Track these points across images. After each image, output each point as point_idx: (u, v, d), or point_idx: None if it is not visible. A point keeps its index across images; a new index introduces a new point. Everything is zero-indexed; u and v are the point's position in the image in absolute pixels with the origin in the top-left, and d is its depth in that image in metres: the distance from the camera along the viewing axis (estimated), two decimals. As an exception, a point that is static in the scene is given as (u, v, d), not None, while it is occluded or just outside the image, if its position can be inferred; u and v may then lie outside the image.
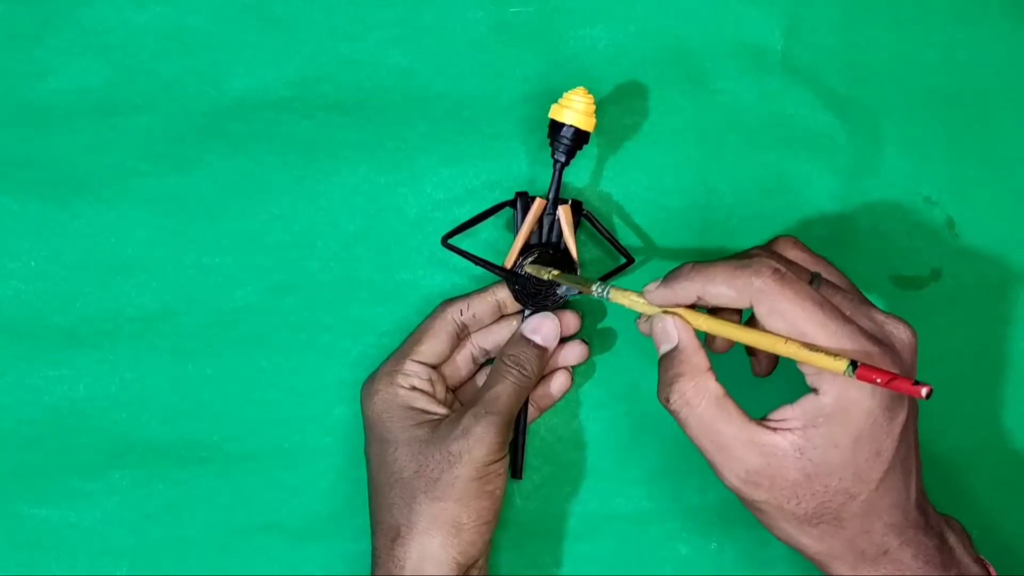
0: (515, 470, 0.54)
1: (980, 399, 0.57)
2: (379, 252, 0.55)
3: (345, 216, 0.55)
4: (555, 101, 0.51)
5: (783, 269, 0.44)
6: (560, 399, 0.55)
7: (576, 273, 0.53)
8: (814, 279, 0.47)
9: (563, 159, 0.51)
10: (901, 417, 0.44)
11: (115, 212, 0.54)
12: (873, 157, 0.56)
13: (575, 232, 0.53)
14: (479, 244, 0.54)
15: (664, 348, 0.47)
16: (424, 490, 0.49)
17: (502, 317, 0.54)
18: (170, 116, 0.54)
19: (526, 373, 0.51)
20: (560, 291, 0.52)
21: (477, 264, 0.52)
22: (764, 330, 0.44)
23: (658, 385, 0.46)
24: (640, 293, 0.47)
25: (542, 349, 0.52)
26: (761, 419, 0.45)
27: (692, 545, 0.56)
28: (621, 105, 0.55)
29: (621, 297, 0.48)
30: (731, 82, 0.55)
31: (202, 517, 0.55)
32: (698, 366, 0.45)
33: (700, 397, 0.45)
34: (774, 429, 0.44)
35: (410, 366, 0.52)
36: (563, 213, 0.52)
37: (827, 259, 0.49)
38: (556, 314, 0.53)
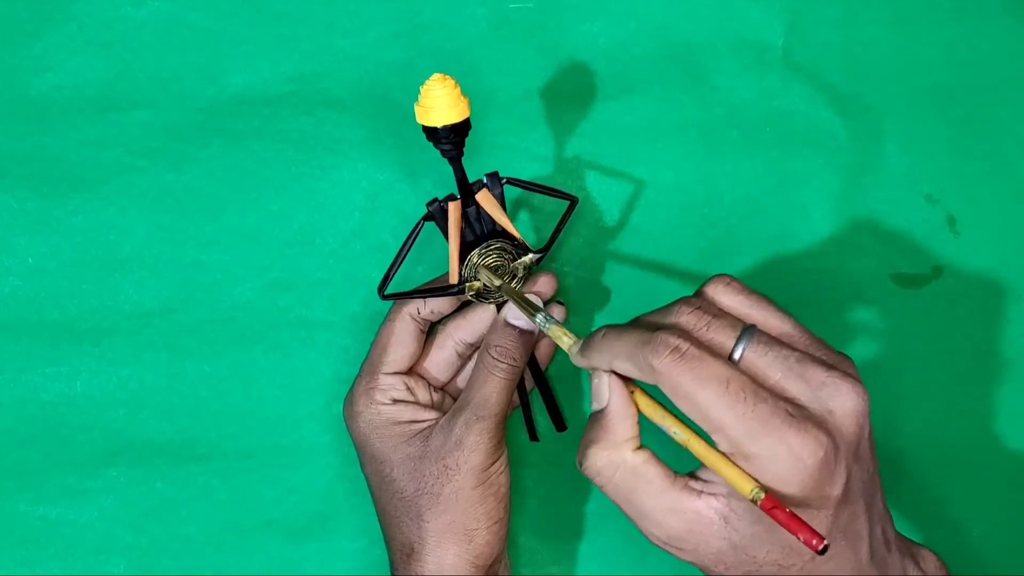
0: (558, 423, 0.54)
1: (980, 398, 0.57)
2: (377, 249, 0.55)
3: (344, 213, 0.55)
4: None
5: (684, 347, 0.39)
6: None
7: (524, 249, 0.51)
8: (743, 335, 0.41)
9: (453, 154, 0.47)
10: (840, 480, 0.39)
11: (113, 208, 0.54)
12: (874, 154, 0.56)
13: (505, 209, 0.50)
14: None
15: (594, 406, 0.44)
16: (428, 507, 0.49)
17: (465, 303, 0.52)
18: (168, 112, 0.54)
19: (516, 363, 0.49)
20: (519, 267, 0.50)
21: (427, 297, 0.50)
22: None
23: (579, 446, 0.44)
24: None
25: (528, 333, 0.50)
26: (689, 475, 0.42)
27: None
28: (621, 102, 0.55)
29: (560, 336, 0.45)
30: (732, 79, 0.55)
31: (200, 515, 0.55)
32: (617, 436, 0.42)
33: (613, 468, 0.42)
34: (699, 492, 0.41)
35: (384, 380, 0.50)
36: (483, 199, 0.50)
37: (766, 296, 0.44)
38: (531, 286, 0.51)
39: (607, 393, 0.43)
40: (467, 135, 0.46)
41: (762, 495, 0.38)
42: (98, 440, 0.55)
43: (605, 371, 0.43)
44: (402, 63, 0.55)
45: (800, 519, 0.37)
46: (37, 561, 0.55)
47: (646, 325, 0.43)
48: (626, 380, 0.43)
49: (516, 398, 0.53)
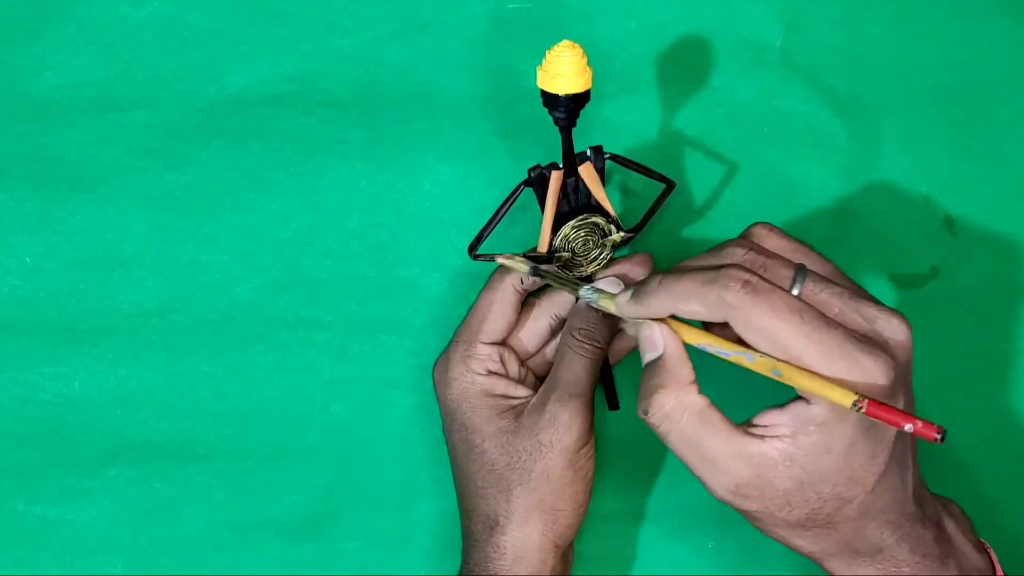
0: (612, 402, 0.54)
1: (978, 397, 0.57)
2: (377, 249, 0.55)
3: (343, 213, 0.55)
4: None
5: (753, 280, 0.41)
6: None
7: (617, 227, 0.51)
8: (797, 274, 0.43)
9: (566, 124, 0.47)
10: (900, 406, 0.42)
11: (112, 208, 0.54)
12: (873, 155, 0.56)
13: (604, 184, 0.50)
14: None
15: (648, 357, 0.44)
16: (519, 482, 0.49)
17: None
18: (168, 112, 0.54)
19: (599, 345, 0.49)
20: (608, 244, 0.50)
21: (501, 260, 0.50)
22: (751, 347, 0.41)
23: (638, 395, 0.45)
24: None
25: (610, 316, 0.49)
26: (746, 424, 0.43)
27: (690, 544, 0.56)
28: (619, 102, 0.55)
29: (607, 303, 0.46)
30: (731, 79, 0.55)
31: (198, 515, 0.55)
32: (681, 378, 0.43)
33: (681, 411, 0.43)
34: (762, 437, 0.42)
35: (482, 349, 0.50)
36: (585, 172, 0.50)
37: (809, 245, 0.46)
38: (621, 267, 0.51)
39: (661, 340, 0.44)
40: (584, 106, 0.46)
41: (866, 400, 0.39)
42: (97, 440, 0.55)
43: (656, 319, 0.44)
44: (401, 63, 0.55)
45: (913, 414, 0.38)
46: (36, 561, 0.55)
47: (699, 268, 0.43)
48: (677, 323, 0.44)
49: None
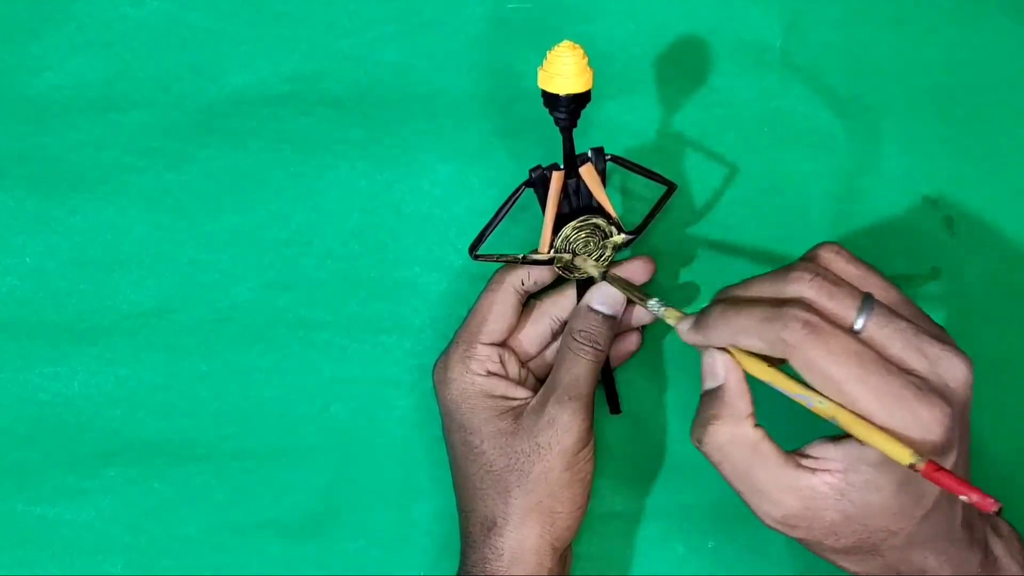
0: (613, 406, 0.54)
1: (977, 398, 0.57)
2: (376, 249, 0.55)
3: (342, 213, 0.55)
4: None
5: (814, 320, 0.40)
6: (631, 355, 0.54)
7: (618, 228, 0.51)
8: (864, 305, 0.41)
9: (566, 124, 0.47)
10: (952, 458, 0.41)
11: (111, 208, 0.54)
12: (873, 155, 0.56)
13: (604, 185, 0.50)
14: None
15: (708, 384, 0.44)
16: (517, 484, 0.49)
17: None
18: (167, 112, 0.54)
19: (600, 347, 0.49)
20: (608, 246, 0.50)
21: (515, 263, 0.51)
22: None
23: (694, 422, 0.44)
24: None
25: (611, 319, 0.50)
26: (798, 452, 0.43)
27: (689, 544, 0.56)
28: (619, 102, 0.55)
29: (672, 317, 0.46)
30: (730, 79, 0.55)
31: (198, 515, 0.55)
32: (738, 411, 0.43)
33: (734, 445, 0.43)
34: (813, 470, 0.42)
35: (481, 350, 0.50)
36: (586, 173, 0.50)
37: (876, 269, 0.45)
38: (622, 268, 0.51)
39: (722, 370, 0.43)
40: (585, 107, 0.46)
41: (924, 461, 0.38)
42: (96, 440, 0.55)
43: (718, 348, 0.43)
44: (401, 63, 0.55)
45: (969, 483, 0.38)
46: (35, 561, 0.55)
47: (760, 294, 0.43)
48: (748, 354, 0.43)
49: None
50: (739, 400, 0.43)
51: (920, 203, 0.56)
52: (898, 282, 0.55)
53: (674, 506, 0.56)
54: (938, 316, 0.56)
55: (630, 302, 0.50)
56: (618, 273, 0.51)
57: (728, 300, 0.43)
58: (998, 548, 0.46)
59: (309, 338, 0.55)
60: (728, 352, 0.43)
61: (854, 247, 0.55)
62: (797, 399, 0.42)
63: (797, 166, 0.55)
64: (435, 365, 0.52)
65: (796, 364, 0.40)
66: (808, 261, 0.44)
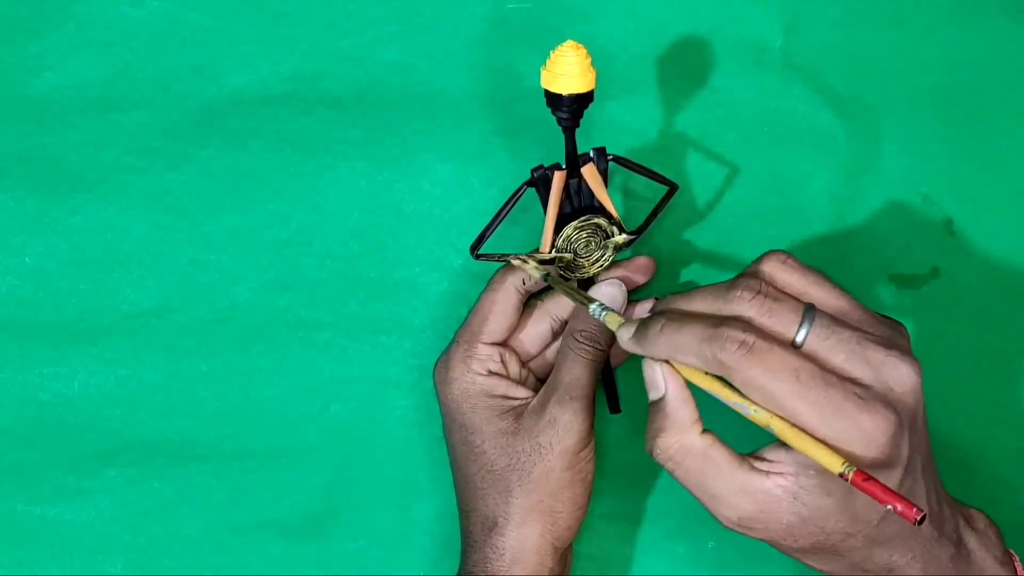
0: (613, 405, 0.54)
1: (977, 398, 0.57)
2: (376, 249, 0.55)
3: (342, 213, 0.55)
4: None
5: (750, 340, 0.40)
6: None
7: (619, 229, 0.51)
8: (804, 318, 0.42)
9: (569, 124, 0.47)
10: (900, 464, 0.41)
11: (111, 208, 0.54)
12: (872, 155, 0.56)
13: (606, 185, 0.50)
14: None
15: (651, 396, 0.44)
16: (518, 483, 0.49)
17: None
18: (167, 112, 0.54)
19: (601, 347, 0.50)
20: (609, 246, 0.51)
21: (515, 262, 0.50)
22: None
23: (645, 434, 0.45)
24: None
25: None
26: (753, 455, 0.43)
27: (690, 544, 0.56)
28: (619, 102, 0.55)
29: (613, 322, 0.46)
30: (730, 79, 0.55)
31: (197, 515, 0.55)
32: (682, 421, 0.43)
33: (683, 455, 0.43)
34: (766, 473, 0.42)
35: (482, 349, 0.50)
36: (588, 173, 0.50)
37: (821, 272, 0.45)
38: (623, 268, 0.51)
39: (663, 383, 0.44)
40: (588, 106, 0.46)
41: (852, 471, 0.39)
42: (96, 440, 0.55)
43: (658, 361, 0.44)
44: (401, 63, 0.55)
45: (896, 492, 0.38)
46: (35, 561, 0.55)
47: (702, 309, 0.43)
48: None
49: None
50: (681, 410, 0.44)
51: (920, 203, 0.56)
52: (898, 282, 0.55)
53: (675, 506, 0.56)
54: (938, 316, 0.56)
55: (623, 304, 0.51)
56: (617, 273, 0.52)
57: (669, 314, 0.43)
58: (972, 542, 0.46)
59: (309, 338, 0.55)
60: (667, 362, 0.44)
61: (854, 247, 0.55)
62: (734, 407, 0.42)
63: (797, 166, 0.55)
64: (436, 365, 0.52)
65: (736, 382, 0.41)
66: (751, 275, 0.44)
